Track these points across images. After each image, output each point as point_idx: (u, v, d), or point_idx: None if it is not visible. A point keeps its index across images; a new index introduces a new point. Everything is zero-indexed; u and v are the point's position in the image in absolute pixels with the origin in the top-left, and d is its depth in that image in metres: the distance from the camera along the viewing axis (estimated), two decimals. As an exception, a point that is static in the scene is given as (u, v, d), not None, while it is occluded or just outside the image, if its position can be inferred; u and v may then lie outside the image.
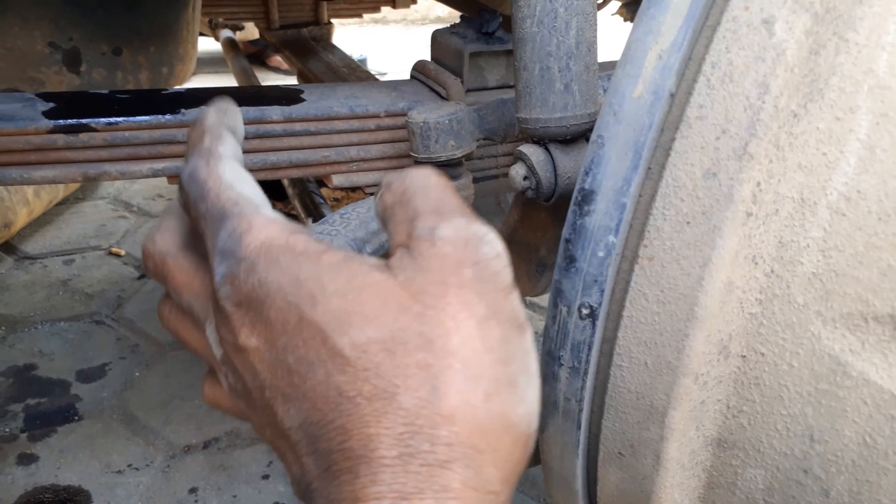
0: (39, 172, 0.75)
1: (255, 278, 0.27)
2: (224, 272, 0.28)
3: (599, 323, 0.36)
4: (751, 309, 0.34)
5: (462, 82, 0.89)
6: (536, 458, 0.50)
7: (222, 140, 0.33)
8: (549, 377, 0.40)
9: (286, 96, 0.86)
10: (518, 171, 0.64)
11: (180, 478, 1.20)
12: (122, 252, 1.84)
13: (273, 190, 1.46)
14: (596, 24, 0.60)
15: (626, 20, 1.50)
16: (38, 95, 0.80)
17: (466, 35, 0.90)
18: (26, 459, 1.22)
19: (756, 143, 0.32)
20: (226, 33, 1.82)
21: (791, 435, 0.35)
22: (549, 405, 0.41)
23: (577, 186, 0.36)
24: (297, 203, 1.04)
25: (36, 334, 1.53)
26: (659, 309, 0.34)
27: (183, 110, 0.79)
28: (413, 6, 1.85)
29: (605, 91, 0.75)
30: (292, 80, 2.11)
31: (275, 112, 0.82)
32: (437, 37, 0.93)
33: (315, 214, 1.01)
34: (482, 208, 1.01)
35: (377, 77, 1.45)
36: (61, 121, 0.74)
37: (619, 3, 1.49)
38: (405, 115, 0.82)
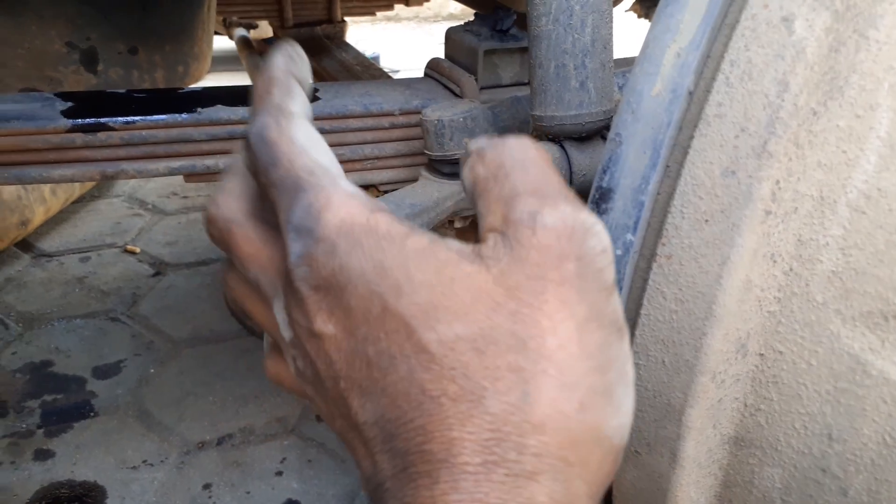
0: (58, 171, 0.76)
1: (335, 262, 0.25)
2: (300, 252, 0.25)
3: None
4: (769, 307, 0.34)
5: (476, 80, 0.89)
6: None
7: (292, 94, 0.30)
8: (565, 375, 0.40)
9: (301, 95, 0.86)
10: (533, 169, 0.64)
11: (194, 474, 1.21)
12: (137, 249, 1.86)
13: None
14: (611, 22, 0.60)
15: (640, 17, 1.50)
16: (56, 95, 0.81)
17: (481, 33, 0.90)
18: (43, 455, 1.23)
19: (775, 141, 0.32)
20: (240, 32, 1.83)
21: (809, 434, 0.34)
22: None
23: (595, 184, 0.36)
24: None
25: (52, 331, 1.54)
26: (677, 307, 0.34)
27: (199, 109, 0.80)
28: (426, 3, 1.85)
29: (620, 88, 0.75)
30: (305, 79, 2.12)
31: (290, 110, 0.82)
32: (451, 34, 0.93)
33: (329, 212, 1.01)
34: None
35: (390, 75, 1.45)
36: (79, 120, 0.75)
37: (633, 0, 1.48)
38: (419, 113, 0.83)
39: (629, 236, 0.34)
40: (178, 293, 1.68)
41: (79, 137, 0.75)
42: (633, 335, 0.36)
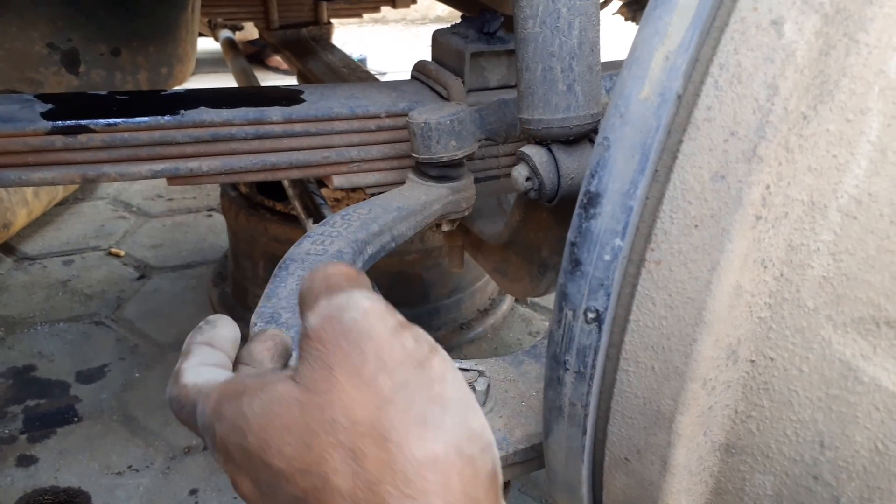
0: (38, 174, 0.75)
1: (217, 438, 0.30)
2: (209, 446, 0.32)
3: (606, 327, 0.36)
4: (760, 313, 0.34)
5: (463, 82, 0.88)
6: (541, 461, 0.50)
7: (190, 355, 0.36)
8: (554, 382, 0.39)
9: (286, 97, 0.85)
10: (520, 172, 0.64)
11: (180, 479, 1.19)
12: (122, 252, 1.84)
13: (274, 191, 1.46)
14: (599, 25, 0.60)
15: (626, 19, 1.50)
16: (36, 97, 0.79)
17: (468, 35, 0.90)
18: (26, 461, 1.21)
19: (765, 145, 0.31)
20: (225, 33, 1.82)
21: (801, 441, 0.34)
22: (554, 410, 0.40)
23: (583, 189, 0.35)
24: (297, 204, 1.03)
25: (35, 335, 1.52)
26: (666, 313, 0.34)
27: (182, 111, 0.78)
28: (413, 6, 1.85)
29: (607, 91, 0.75)
30: (292, 81, 2.11)
31: (275, 113, 0.81)
32: (437, 37, 0.93)
33: (315, 215, 1.01)
34: (484, 209, 1.01)
35: (377, 77, 1.44)
36: (60, 122, 0.74)
37: (620, 3, 1.48)
38: (406, 115, 0.82)
39: (618, 241, 0.34)
40: (164, 296, 1.67)
41: (59, 140, 0.74)
42: (622, 341, 0.36)
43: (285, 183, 1.12)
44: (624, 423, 0.37)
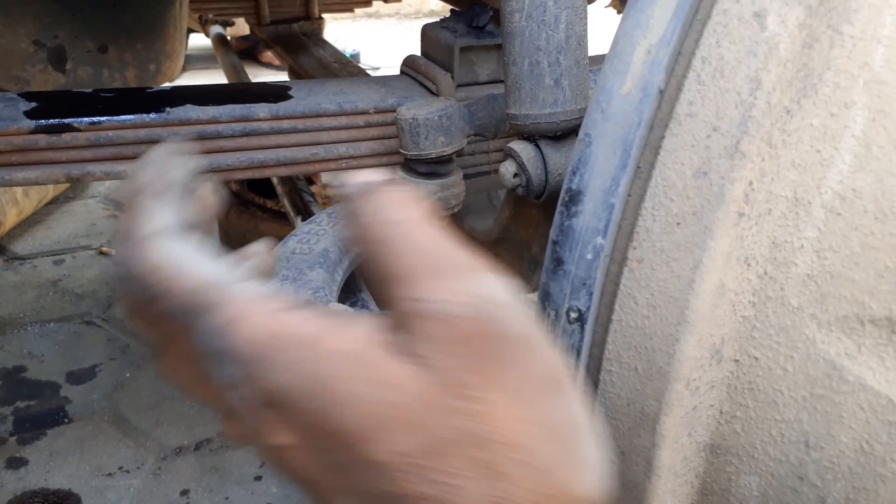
0: (21, 174, 0.74)
1: (266, 383, 0.24)
2: (231, 375, 0.25)
3: (588, 327, 0.35)
4: (744, 312, 0.33)
5: (452, 77, 0.87)
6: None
7: (143, 214, 0.29)
8: (537, 382, 0.38)
9: (273, 93, 0.85)
10: (508, 168, 0.63)
11: (172, 480, 1.18)
12: (113, 251, 1.83)
13: (264, 188, 1.45)
14: (586, 18, 0.59)
15: (619, 13, 1.49)
16: (20, 95, 0.78)
17: (456, 29, 0.89)
18: (16, 463, 1.20)
19: (748, 140, 0.31)
20: (216, 29, 1.80)
21: (786, 441, 0.34)
22: (538, 411, 0.39)
23: (565, 186, 0.35)
24: (286, 201, 1.02)
25: (25, 336, 1.51)
26: (649, 313, 0.33)
27: (168, 109, 0.78)
28: (405, 0, 1.84)
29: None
30: (284, 77, 2.10)
31: (262, 109, 0.80)
32: (426, 31, 0.92)
33: (304, 213, 1.00)
34: (474, 206, 1.00)
35: (368, 72, 1.44)
36: (43, 121, 0.73)
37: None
38: (395, 111, 0.81)
39: (599, 240, 0.33)
40: (155, 295, 1.66)
41: (42, 139, 0.73)
42: (604, 341, 0.35)
43: (274, 180, 1.12)
44: (608, 424, 0.37)
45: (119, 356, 1.46)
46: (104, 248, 1.83)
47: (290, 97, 0.84)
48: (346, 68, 1.46)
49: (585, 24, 0.59)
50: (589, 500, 0.24)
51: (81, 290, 1.67)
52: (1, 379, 1.39)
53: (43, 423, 1.29)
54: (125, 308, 0.29)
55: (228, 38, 1.78)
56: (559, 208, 0.35)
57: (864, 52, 0.31)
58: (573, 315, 0.35)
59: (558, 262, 0.35)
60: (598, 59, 0.81)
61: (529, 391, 0.24)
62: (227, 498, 1.16)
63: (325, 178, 0.86)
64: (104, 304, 1.62)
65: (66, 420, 1.30)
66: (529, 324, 0.24)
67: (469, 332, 0.23)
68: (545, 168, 0.62)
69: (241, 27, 2.13)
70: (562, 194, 0.35)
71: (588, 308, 0.34)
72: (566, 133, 0.61)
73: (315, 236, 0.67)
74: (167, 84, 1.03)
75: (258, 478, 1.20)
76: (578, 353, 0.36)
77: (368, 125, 0.86)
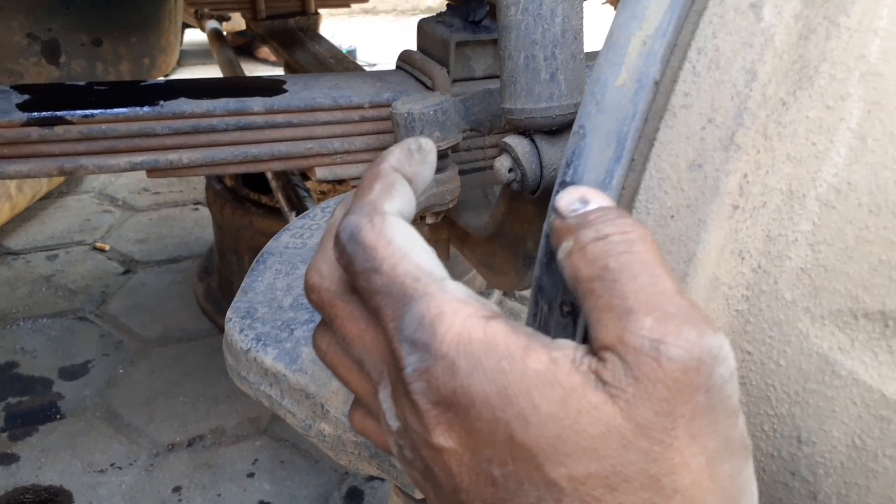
0: (13, 167, 0.73)
1: (456, 382, 0.24)
2: (417, 366, 0.25)
3: (581, 321, 0.35)
4: (737, 306, 0.33)
5: (448, 72, 0.87)
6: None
7: (393, 192, 0.30)
8: (530, 376, 0.38)
9: (268, 87, 0.84)
10: (503, 163, 0.63)
11: (164, 476, 1.18)
12: (107, 247, 1.82)
13: (259, 183, 1.44)
14: (582, 12, 0.59)
15: (615, 9, 1.49)
16: (12, 87, 0.78)
17: (453, 24, 0.88)
18: (7, 459, 1.20)
19: (743, 132, 0.30)
20: (212, 24, 1.80)
21: (778, 436, 0.33)
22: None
23: (559, 179, 0.34)
24: (280, 196, 1.02)
25: (18, 331, 1.51)
26: (642, 306, 0.33)
27: (162, 102, 0.77)
28: (402, -3, 1.83)
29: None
30: (280, 72, 2.09)
31: (256, 103, 0.80)
32: (422, 26, 0.91)
33: (299, 208, 0.99)
34: (469, 201, 1.00)
35: (367, 68, 1.43)
36: (36, 113, 0.73)
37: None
38: (390, 105, 0.81)
39: (593, 232, 0.33)
40: (149, 291, 1.65)
41: (35, 131, 0.72)
42: (598, 335, 0.35)
43: (269, 175, 1.11)
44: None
45: (112, 352, 1.46)
46: (98, 244, 1.83)
47: (285, 91, 0.84)
48: (341, 64, 1.46)
49: (581, 18, 0.59)
50: None
51: (75, 285, 1.66)
52: (-7, 374, 1.39)
53: (35, 418, 1.28)
54: (315, 282, 0.30)
55: (224, 33, 1.78)
56: (553, 201, 0.35)
57: (861, 43, 0.31)
58: (566, 308, 0.35)
59: (551, 255, 0.35)
60: (594, 56, 0.81)
61: (719, 449, 0.24)
62: (219, 494, 1.16)
63: (319, 172, 0.85)
64: (97, 299, 1.62)
65: (59, 416, 1.29)
66: (737, 393, 0.25)
67: (678, 378, 0.23)
68: (540, 163, 0.62)
69: (238, 22, 2.12)
70: (555, 187, 0.34)
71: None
72: (561, 128, 0.61)
73: (308, 230, 0.66)
74: (161, 78, 1.02)
75: (250, 474, 1.20)
76: (571, 347, 0.36)
77: (363, 120, 0.85)
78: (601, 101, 0.33)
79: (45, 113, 0.73)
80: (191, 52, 3.47)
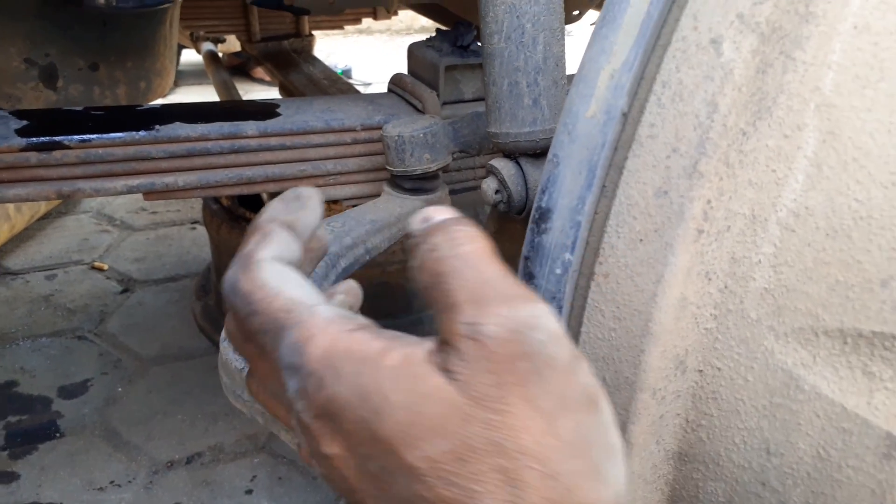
0: (12, 191, 0.75)
1: (324, 393, 0.27)
2: (295, 387, 0.28)
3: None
4: (706, 324, 0.34)
5: (438, 95, 0.89)
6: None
7: (268, 240, 0.32)
8: (512, 393, 0.40)
9: (262, 111, 0.86)
10: (489, 184, 0.65)
11: (163, 494, 1.19)
12: (105, 266, 1.83)
13: (255, 203, 1.46)
14: (563, 40, 0.61)
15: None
16: (11, 113, 0.80)
17: (442, 48, 0.91)
18: (7, 478, 1.21)
19: (706, 161, 0.32)
20: (207, 46, 1.82)
21: (748, 448, 0.35)
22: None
23: (535, 205, 0.36)
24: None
25: (17, 351, 1.52)
26: (615, 325, 0.35)
27: (157, 126, 0.79)
28: (397, 16, 1.86)
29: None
30: (276, 92, 2.11)
31: (250, 127, 0.82)
32: (413, 50, 0.94)
33: (294, 228, 1.01)
34: (460, 220, 1.01)
35: (358, 89, 1.45)
36: (34, 138, 0.74)
37: (599, 13, 1.50)
38: (381, 128, 0.83)
39: (567, 255, 0.35)
40: (147, 310, 1.66)
41: (33, 156, 0.74)
42: (575, 353, 0.37)
43: (264, 196, 1.13)
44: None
45: (111, 371, 1.47)
46: (96, 263, 1.84)
47: (279, 115, 0.86)
48: (335, 85, 1.48)
49: (563, 45, 0.61)
50: None
51: (73, 304, 1.68)
52: (-8, 394, 1.39)
53: (35, 437, 1.29)
54: (230, 331, 0.32)
55: (220, 54, 1.80)
56: (530, 225, 0.37)
57: (816, 76, 0.33)
58: (544, 328, 0.36)
59: (530, 276, 0.37)
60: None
61: (554, 407, 0.25)
62: (217, 512, 1.16)
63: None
64: (96, 318, 1.63)
65: (58, 434, 1.30)
66: (566, 349, 0.26)
67: (497, 351, 0.25)
68: (525, 184, 0.63)
69: (234, 43, 2.15)
70: (532, 212, 0.36)
71: (558, 321, 0.36)
72: (545, 150, 0.63)
73: (302, 252, 0.68)
74: (158, 101, 1.04)
75: (249, 491, 1.20)
76: (550, 365, 0.37)
77: (355, 142, 0.87)
78: (573, 132, 0.35)
79: (43, 138, 0.75)
80: (188, 72, 3.50)
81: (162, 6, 1.17)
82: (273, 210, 0.34)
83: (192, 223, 2.07)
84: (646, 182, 0.33)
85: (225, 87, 1.54)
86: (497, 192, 0.64)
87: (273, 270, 0.30)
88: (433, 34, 0.94)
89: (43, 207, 1.98)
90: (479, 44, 0.89)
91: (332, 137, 0.86)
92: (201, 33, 1.79)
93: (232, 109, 0.88)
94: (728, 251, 0.34)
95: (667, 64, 0.34)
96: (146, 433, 1.31)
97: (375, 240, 0.74)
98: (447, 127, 0.80)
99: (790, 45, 0.33)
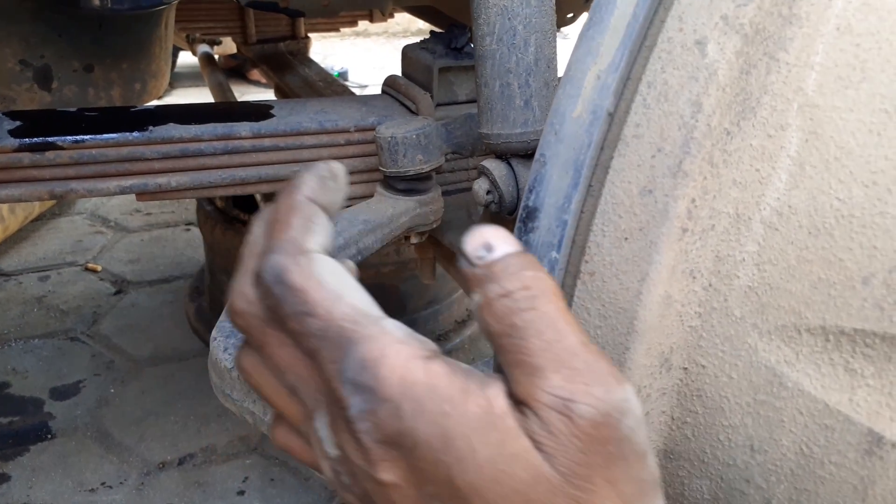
0: (5, 191, 0.75)
1: (401, 425, 0.26)
2: (362, 408, 0.26)
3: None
4: (691, 322, 0.35)
5: (432, 97, 0.90)
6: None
7: (312, 226, 0.29)
8: (500, 391, 0.40)
9: (255, 112, 0.86)
10: (481, 185, 0.65)
11: (155, 495, 1.19)
12: (99, 268, 1.83)
13: (249, 205, 1.46)
14: (555, 41, 0.61)
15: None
16: (4, 114, 0.80)
17: (435, 50, 0.91)
18: (-2, 479, 1.20)
19: (690, 160, 0.32)
20: (203, 48, 1.82)
21: (733, 445, 0.35)
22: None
23: (522, 204, 0.37)
24: (269, 218, 1.04)
25: (9, 352, 1.51)
26: (601, 323, 0.35)
27: (151, 127, 0.79)
28: (393, 19, 1.87)
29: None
30: (272, 94, 2.12)
31: (243, 128, 0.82)
32: (407, 52, 0.94)
33: (287, 229, 1.01)
34: (454, 221, 1.02)
35: (358, 89, 1.45)
36: (27, 139, 0.74)
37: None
38: (375, 129, 0.83)
39: (554, 254, 0.35)
40: (140, 312, 1.66)
41: (26, 157, 0.74)
42: (562, 351, 0.37)
43: (258, 197, 1.13)
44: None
45: (103, 372, 1.46)
46: (90, 265, 1.84)
47: (272, 116, 0.86)
48: (330, 87, 1.48)
49: (554, 47, 0.61)
50: None
51: (66, 306, 1.67)
52: (-16, 395, 1.39)
53: (26, 438, 1.29)
54: (242, 307, 0.29)
55: (216, 56, 1.80)
56: (518, 224, 0.37)
57: (799, 77, 0.33)
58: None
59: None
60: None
61: (633, 492, 0.26)
62: (209, 513, 1.16)
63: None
64: (89, 319, 1.63)
65: (50, 436, 1.30)
66: (645, 434, 0.27)
67: (589, 433, 0.25)
68: (517, 185, 0.64)
69: (230, 45, 2.15)
70: (519, 211, 0.37)
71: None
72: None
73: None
74: (152, 103, 1.05)
75: (241, 492, 1.20)
76: (537, 363, 0.37)
77: (349, 143, 0.88)
78: (559, 132, 0.35)
79: (36, 139, 0.75)
80: (184, 74, 3.50)
81: (157, 8, 1.18)
82: (309, 187, 0.31)
83: (187, 225, 2.07)
84: (631, 181, 0.34)
85: (220, 90, 1.54)
86: (488, 192, 0.65)
87: (328, 267, 0.28)
88: (427, 37, 0.95)
89: (37, 209, 1.98)
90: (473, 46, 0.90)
91: (325, 139, 0.86)
92: (197, 35, 1.80)
93: (226, 111, 0.88)
94: (712, 249, 0.34)
95: (652, 65, 0.34)
96: (138, 434, 1.30)
97: (368, 240, 0.75)
98: (440, 128, 0.80)
99: (774, 46, 0.33)
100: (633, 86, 0.34)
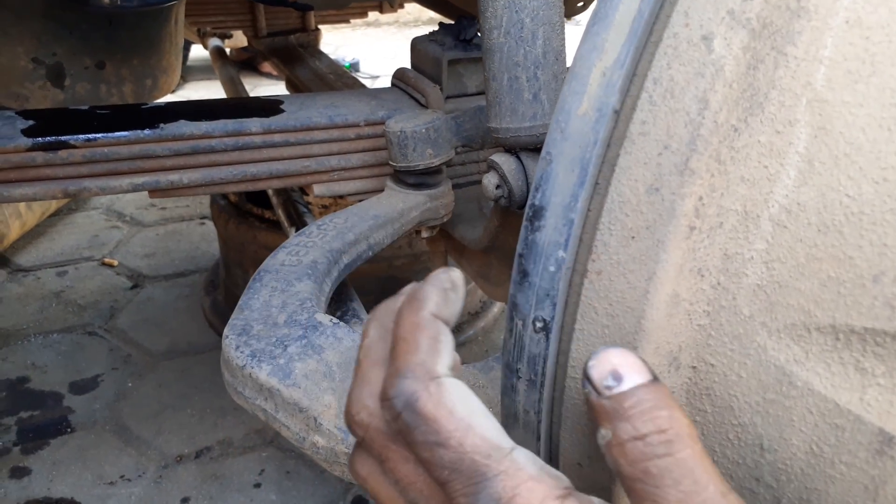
0: (19, 190, 0.76)
1: None
2: None
3: (553, 336, 0.37)
4: (699, 321, 0.34)
5: (441, 89, 0.89)
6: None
7: (440, 347, 0.29)
8: (508, 389, 0.40)
9: (265, 108, 0.86)
10: (490, 179, 0.65)
11: (172, 488, 1.20)
12: (115, 262, 1.85)
13: (262, 199, 1.47)
14: (563, 34, 0.61)
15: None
16: (17, 113, 0.80)
17: (445, 42, 0.91)
18: (19, 473, 1.22)
19: (697, 158, 0.32)
20: (214, 42, 1.83)
21: (742, 444, 0.35)
22: (510, 417, 0.41)
23: (528, 202, 0.36)
24: (280, 212, 1.04)
25: (28, 347, 1.53)
26: (608, 322, 0.35)
27: (162, 125, 0.80)
28: (405, 9, 1.86)
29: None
30: (283, 86, 2.12)
31: (254, 124, 0.82)
32: (416, 44, 0.94)
33: (299, 223, 1.02)
34: (464, 214, 1.02)
35: (370, 80, 1.45)
36: (40, 138, 0.75)
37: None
38: (385, 123, 0.83)
39: (561, 253, 0.35)
40: (157, 306, 1.68)
41: (39, 156, 0.75)
42: (569, 349, 0.37)
43: (269, 192, 1.14)
44: (574, 429, 0.38)
45: (121, 366, 1.48)
46: (106, 259, 1.86)
47: (282, 111, 0.86)
48: (341, 79, 1.48)
49: (563, 39, 0.61)
50: None
51: (84, 300, 1.69)
52: (4, 389, 1.41)
53: (46, 432, 1.31)
54: (364, 420, 0.29)
55: (227, 50, 1.81)
56: (524, 223, 0.37)
57: (807, 72, 0.32)
58: (538, 325, 0.37)
59: (524, 273, 0.37)
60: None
61: None
62: (227, 506, 1.18)
63: (317, 189, 0.87)
64: (106, 314, 1.64)
65: (69, 430, 1.32)
66: None
67: None
68: (526, 179, 0.64)
69: (241, 38, 2.16)
70: (526, 210, 0.36)
71: (552, 318, 0.36)
72: (546, 145, 0.63)
73: (304, 248, 0.68)
74: (163, 99, 1.05)
75: (257, 485, 1.21)
76: (545, 362, 0.37)
77: (359, 137, 0.88)
78: (565, 129, 0.35)
79: (49, 138, 0.75)
80: (196, 67, 3.52)
81: (167, 4, 1.18)
82: (434, 304, 0.30)
83: (201, 219, 2.09)
84: (637, 179, 0.33)
85: (231, 83, 1.54)
86: (498, 186, 0.65)
87: (459, 393, 0.28)
88: (432, 31, 0.94)
89: (53, 204, 2.00)
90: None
91: (335, 133, 0.86)
92: (208, 29, 1.80)
93: (236, 106, 0.88)
94: (720, 247, 0.34)
95: (658, 61, 0.34)
96: (156, 428, 1.32)
97: (378, 235, 0.75)
98: (450, 121, 0.80)
99: (781, 40, 0.33)
100: (639, 82, 0.34)
